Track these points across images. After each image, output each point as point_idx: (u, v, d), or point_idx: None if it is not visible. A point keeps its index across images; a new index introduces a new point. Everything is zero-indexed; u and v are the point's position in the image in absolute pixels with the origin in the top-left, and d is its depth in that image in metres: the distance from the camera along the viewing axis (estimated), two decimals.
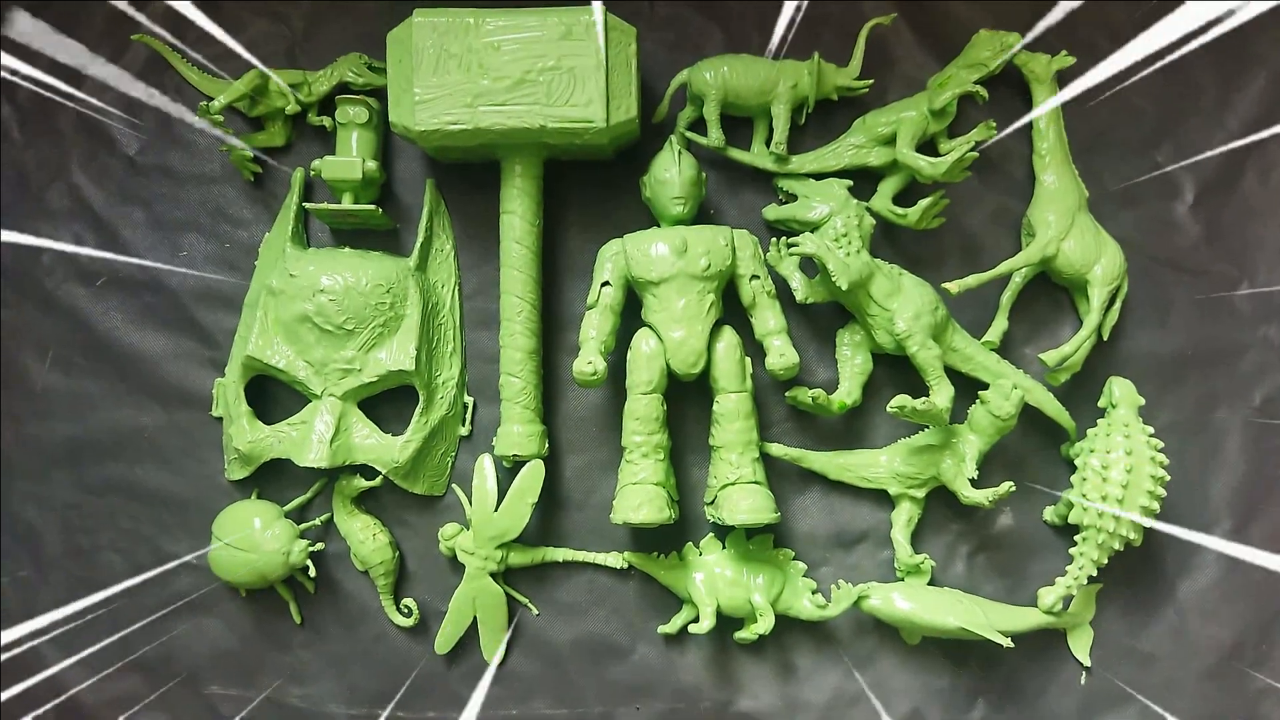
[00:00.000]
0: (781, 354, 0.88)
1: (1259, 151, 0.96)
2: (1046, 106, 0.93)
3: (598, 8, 0.85)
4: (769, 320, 0.89)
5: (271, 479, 0.95)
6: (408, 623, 0.95)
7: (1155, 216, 0.96)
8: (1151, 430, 0.88)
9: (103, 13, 0.98)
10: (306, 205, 0.93)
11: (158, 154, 0.98)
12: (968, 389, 0.91)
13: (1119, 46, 0.96)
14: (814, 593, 0.92)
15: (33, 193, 0.98)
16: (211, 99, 0.92)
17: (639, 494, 0.87)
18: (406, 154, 0.98)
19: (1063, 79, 0.95)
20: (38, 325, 0.97)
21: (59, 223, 0.98)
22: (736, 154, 0.95)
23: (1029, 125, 0.95)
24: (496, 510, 0.91)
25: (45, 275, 0.98)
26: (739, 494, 0.87)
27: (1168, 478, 0.86)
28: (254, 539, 0.90)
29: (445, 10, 0.86)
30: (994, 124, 0.90)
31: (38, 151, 0.98)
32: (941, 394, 0.87)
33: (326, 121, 0.95)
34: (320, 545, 0.93)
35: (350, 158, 0.91)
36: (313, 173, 0.92)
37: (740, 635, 0.91)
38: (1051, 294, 0.96)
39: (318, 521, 0.94)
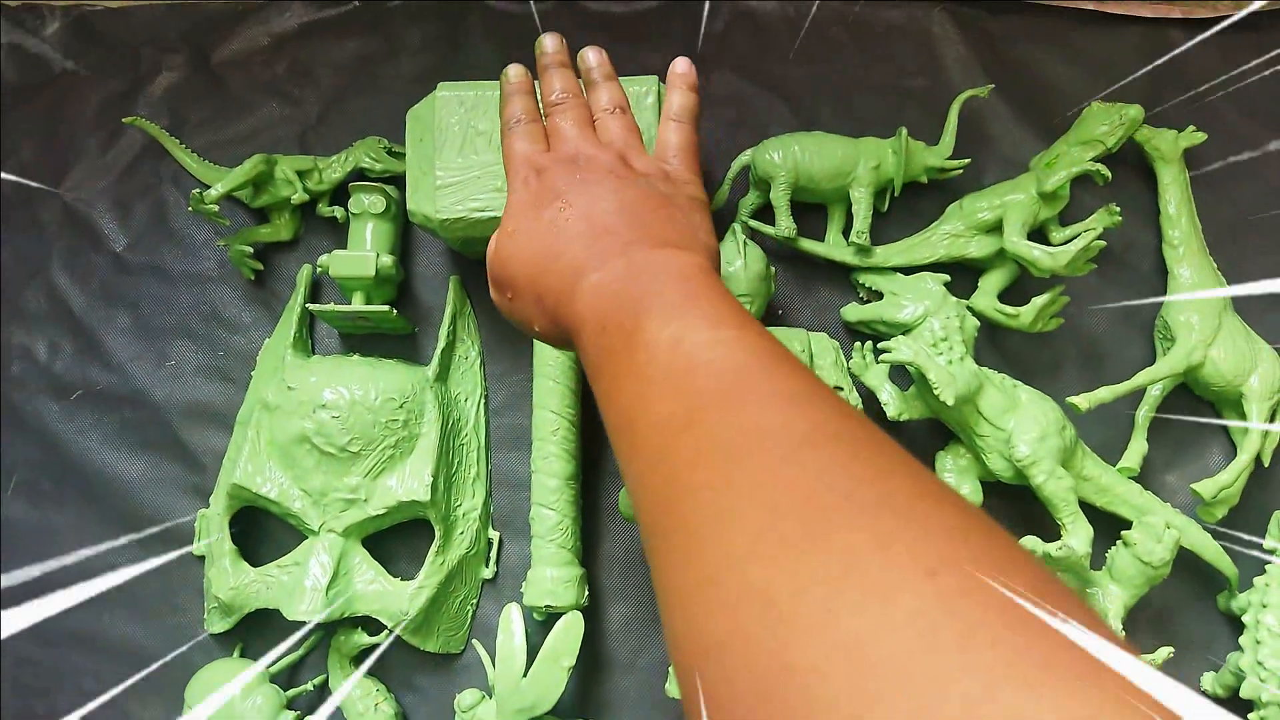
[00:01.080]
0: None
1: None
2: (1171, 195, 0.79)
3: (651, 79, 0.73)
4: None
5: (258, 632, 0.80)
6: None
7: None
8: None
9: (97, 94, 0.88)
10: (311, 307, 0.80)
11: (148, 250, 0.87)
12: (1105, 527, 0.75)
13: (1255, 119, 0.83)
14: None
15: (7, 293, 0.86)
16: (208, 187, 0.81)
17: None
18: (428, 248, 0.86)
19: (1190, 160, 0.81)
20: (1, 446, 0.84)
21: (34, 327, 0.86)
22: (810, 245, 0.81)
23: (1154, 212, 0.81)
24: (525, 675, 0.74)
25: (14, 388, 0.85)
26: None
27: None
28: (232, 708, 0.74)
29: (473, 84, 0.74)
30: (1118, 209, 0.77)
31: (16, 247, 0.87)
32: (1079, 535, 0.70)
33: (338, 212, 0.83)
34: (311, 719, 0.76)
35: (363, 252, 0.79)
36: (320, 269, 0.80)
37: None
38: (1194, 410, 0.81)
39: (310, 686, 0.78)
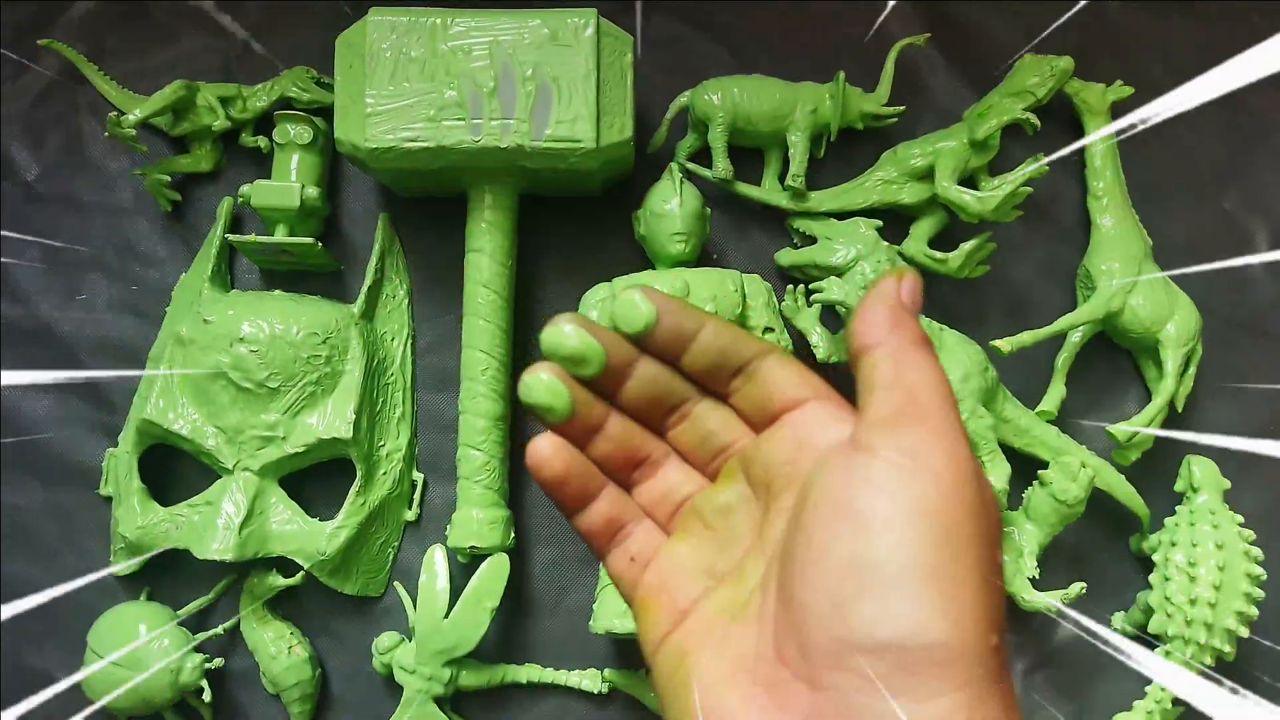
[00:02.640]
0: None
1: None
2: (1095, 136, 0.81)
3: (590, 11, 0.72)
4: None
5: (166, 575, 0.77)
6: None
7: (1226, 271, 0.84)
8: (1241, 519, 0.74)
9: (9, 18, 0.84)
10: (230, 237, 0.78)
11: (62, 180, 0.83)
12: (1022, 468, 0.76)
13: (1179, 78, 0.85)
14: None
15: None
16: (125, 112, 0.78)
17: None
18: (358, 184, 0.83)
19: (1117, 114, 0.83)
20: None
21: None
22: (745, 189, 0.81)
23: (1080, 165, 0.83)
24: (447, 617, 0.73)
25: None
26: None
27: (1264, 576, 0.72)
28: (137, 652, 0.71)
29: (406, 9, 0.72)
30: (1045, 158, 0.78)
31: None
32: (996, 473, 0.72)
33: (262, 142, 0.81)
34: (219, 661, 0.74)
35: (287, 183, 0.77)
36: (241, 200, 0.77)
37: None
38: (1111, 356, 0.82)
39: (220, 630, 0.76)
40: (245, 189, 0.77)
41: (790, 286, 0.79)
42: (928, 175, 0.79)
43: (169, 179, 0.80)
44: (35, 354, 0.81)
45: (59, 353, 0.81)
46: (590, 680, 0.77)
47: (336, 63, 0.74)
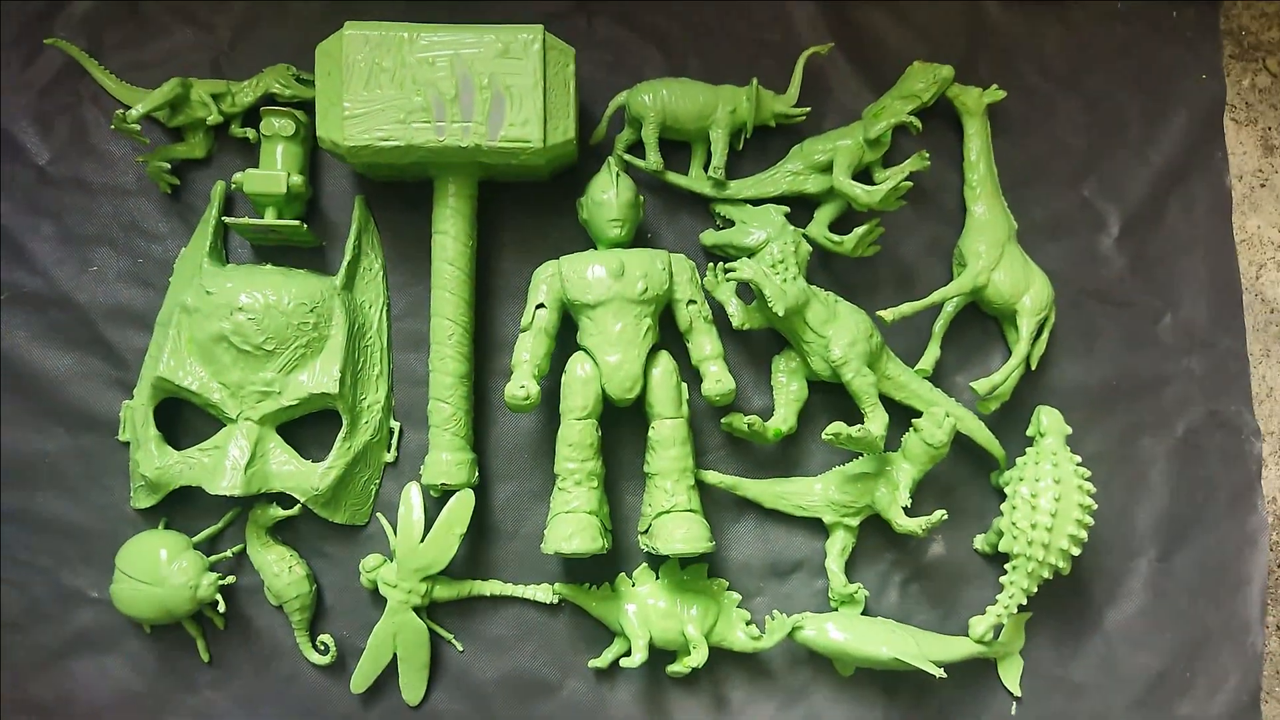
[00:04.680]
0: (718, 380, 0.86)
1: (1181, 186, 0.99)
2: (976, 139, 0.95)
3: (537, 27, 0.83)
4: (705, 346, 0.88)
5: (181, 508, 0.91)
6: (324, 661, 0.90)
7: (1082, 249, 0.98)
8: (1079, 459, 0.89)
9: (15, 15, 0.93)
10: (226, 220, 0.89)
11: (70, 164, 0.93)
12: (902, 417, 0.91)
13: (1050, 80, 0.98)
14: (748, 624, 0.90)
15: None
16: (129, 108, 0.88)
17: (571, 523, 0.84)
18: (334, 170, 0.95)
19: (993, 112, 0.97)
20: None
21: None
22: (674, 178, 0.94)
23: (960, 157, 0.96)
24: (422, 541, 0.87)
25: None
26: (674, 523, 0.85)
27: (1095, 506, 0.87)
28: (159, 572, 0.85)
29: (378, 24, 0.83)
30: (928, 154, 0.91)
31: None
32: (876, 421, 0.87)
33: (250, 134, 0.92)
34: (231, 579, 0.88)
35: (274, 171, 0.88)
36: (234, 186, 0.89)
37: (673, 669, 0.88)
38: (982, 323, 0.97)
39: (229, 553, 0.90)
40: (238, 177, 0.88)
41: (711, 264, 0.93)
42: (829, 168, 0.92)
43: (168, 165, 0.91)
44: (55, 318, 0.92)
45: (76, 317, 0.92)
46: (543, 593, 0.92)
47: (317, 68, 0.85)
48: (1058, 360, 0.97)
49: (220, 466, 0.85)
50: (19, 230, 0.92)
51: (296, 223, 0.88)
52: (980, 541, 0.95)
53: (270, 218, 0.88)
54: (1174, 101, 0.99)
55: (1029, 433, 0.92)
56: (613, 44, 0.97)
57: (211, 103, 0.90)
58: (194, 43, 0.94)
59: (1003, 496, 0.91)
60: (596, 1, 0.97)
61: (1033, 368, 0.95)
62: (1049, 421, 0.91)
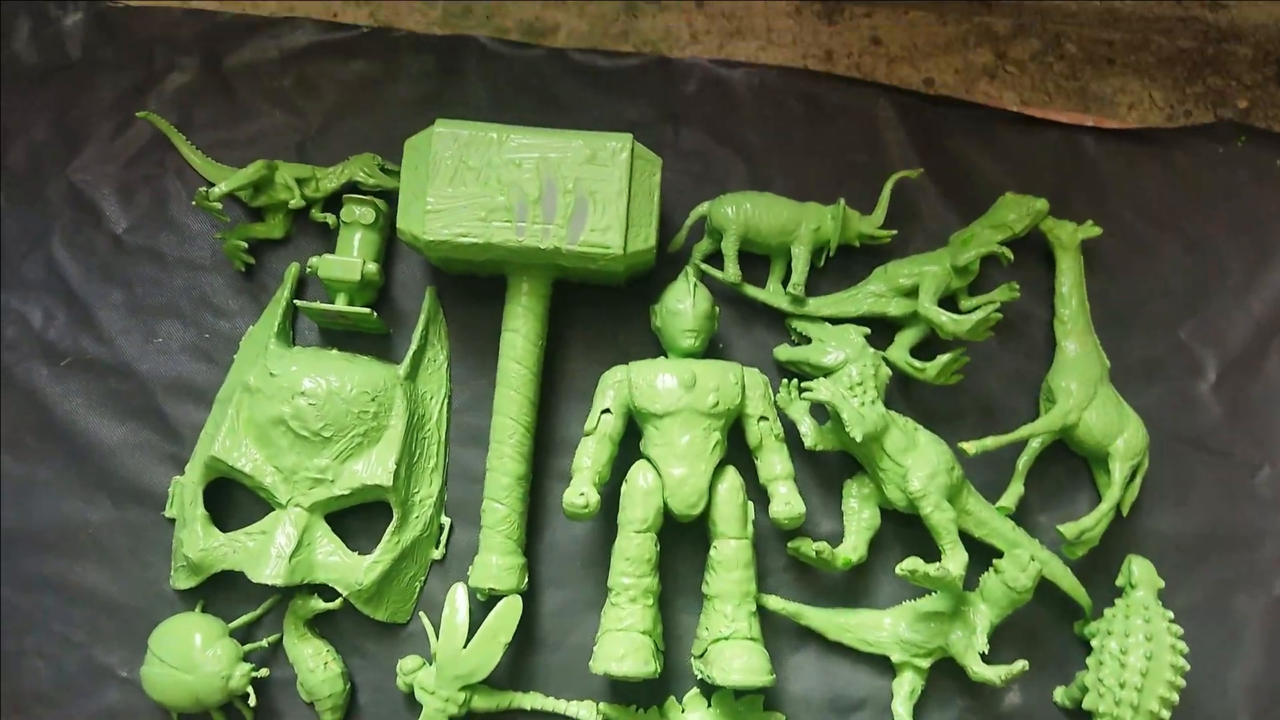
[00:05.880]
0: (787, 502, 0.82)
1: None
2: (1070, 275, 0.91)
3: (626, 136, 0.83)
4: (775, 465, 0.84)
5: (220, 592, 0.87)
6: None
7: (1177, 394, 0.94)
8: (1171, 615, 0.83)
9: (111, 85, 0.95)
10: (297, 303, 0.88)
11: (147, 235, 0.94)
12: (981, 556, 0.86)
13: (1146, 219, 0.95)
14: None
15: (8, 261, 0.93)
16: (211, 184, 0.88)
17: (623, 642, 0.80)
18: (408, 258, 0.94)
19: (1087, 247, 0.94)
20: None
21: (30, 295, 0.92)
22: (752, 291, 0.92)
23: (1051, 290, 0.93)
24: (465, 647, 0.83)
25: (6, 349, 0.91)
26: (732, 651, 0.80)
27: (1187, 667, 0.81)
28: (192, 658, 0.81)
29: (469, 123, 0.83)
30: (1018, 286, 0.88)
31: (20, 219, 0.93)
32: (955, 560, 0.82)
33: (330, 219, 0.91)
34: (265, 672, 0.84)
35: (350, 258, 0.87)
36: (309, 270, 0.88)
37: None
38: (1068, 462, 0.92)
39: (265, 643, 0.86)
40: (313, 261, 0.87)
41: (785, 380, 0.90)
42: (913, 292, 0.89)
43: (245, 244, 0.91)
44: (114, 387, 0.91)
45: (135, 387, 0.91)
46: (586, 710, 0.86)
47: (404, 161, 0.85)
48: (1149, 508, 0.91)
49: (265, 553, 0.82)
50: (89, 296, 0.92)
51: (367, 310, 0.87)
52: (1062, 695, 0.88)
53: (341, 303, 0.87)
54: (1277, 248, 0.95)
55: (1118, 583, 0.87)
56: (698, 155, 0.96)
57: (295, 186, 0.90)
58: (283, 126, 0.95)
59: (1088, 648, 0.85)
60: (684, 112, 0.97)
61: (1124, 514, 0.90)
62: (1141, 573, 0.85)
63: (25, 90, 0.96)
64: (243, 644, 0.84)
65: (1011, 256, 0.88)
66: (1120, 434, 0.88)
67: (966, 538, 0.86)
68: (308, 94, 0.96)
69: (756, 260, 0.93)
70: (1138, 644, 0.81)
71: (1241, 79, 1.02)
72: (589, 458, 0.83)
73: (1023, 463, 0.90)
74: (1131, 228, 0.95)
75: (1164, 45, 1.02)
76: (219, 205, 0.87)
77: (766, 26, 1.00)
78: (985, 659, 0.82)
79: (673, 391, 0.83)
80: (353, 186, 0.91)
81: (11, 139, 0.95)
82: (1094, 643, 0.84)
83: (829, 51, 1.00)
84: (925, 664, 0.85)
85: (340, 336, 0.92)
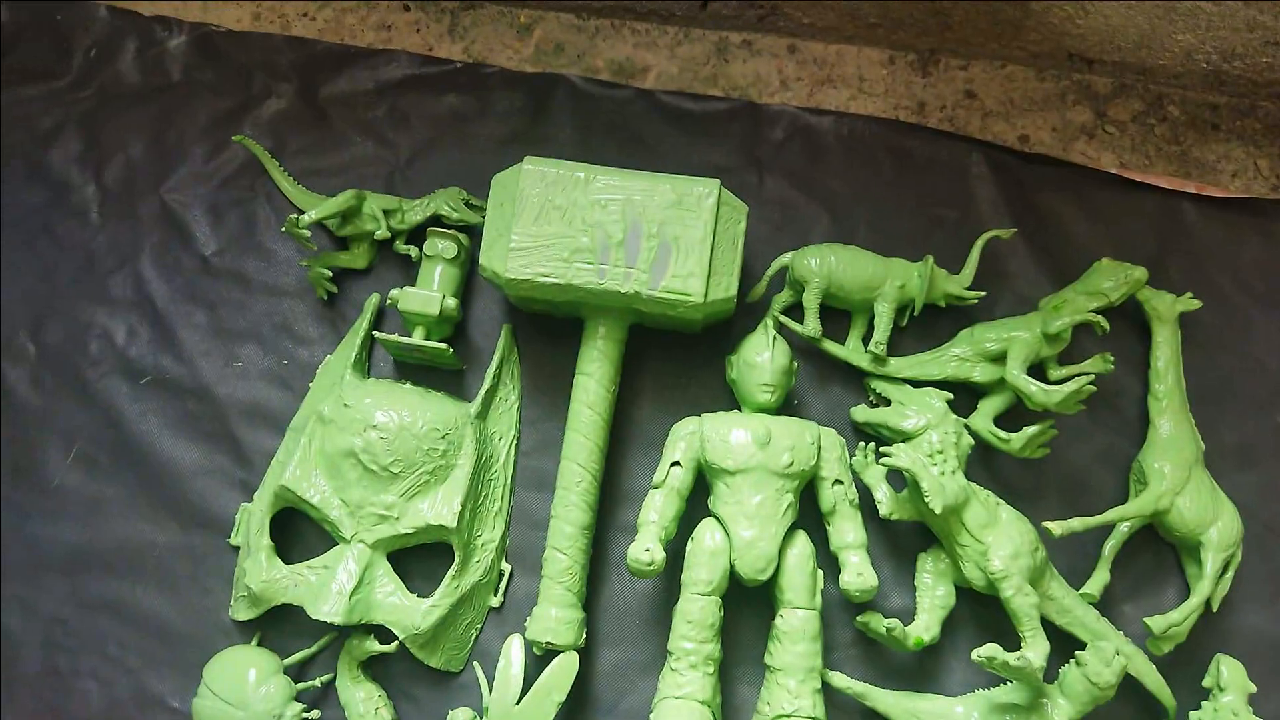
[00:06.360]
0: (859, 573, 0.79)
1: None
2: (1165, 349, 0.87)
3: (714, 182, 0.82)
4: (848, 533, 0.81)
5: (276, 624, 0.86)
6: None
7: (1274, 482, 0.89)
8: None
9: (208, 108, 0.97)
10: (375, 334, 0.88)
11: (234, 258, 0.95)
12: (1061, 646, 0.81)
13: (1246, 293, 0.91)
14: None
15: (97, 276, 0.94)
16: (301, 211, 0.89)
17: (681, 711, 0.77)
18: (487, 294, 0.93)
19: (1184, 320, 0.90)
20: (69, 416, 0.91)
21: (116, 312, 0.94)
22: (832, 347, 0.89)
23: (1145, 364, 0.89)
24: (518, 703, 0.81)
25: (89, 364, 0.93)
26: None
27: None
28: (245, 694, 0.80)
29: (558, 162, 0.83)
30: (1112, 358, 0.85)
31: (111, 234, 0.95)
32: (1037, 649, 0.77)
33: (413, 251, 0.91)
34: (316, 714, 0.83)
35: (431, 292, 0.87)
36: (389, 302, 0.88)
37: None
38: (1155, 549, 0.88)
39: (318, 682, 0.85)
40: (394, 293, 0.87)
41: (861, 443, 0.87)
42: (1000, 358, 0.86)
43: (329, 273, 0.91)
44: (190, 408, 0.92)
45: (211, 410, 0.92)
46: None
47: (490, 197, 0.85)
48: (1241, 605, 0.86)
49: (325, 589, 0.81)
50: (173, 317, 0.93)
51: (443, 346, 0.86)
52: None
53: (418, 337, 0.87)
54: None
55: (1205, 684, 0.82)
56: (782, 203, 0.94)
57: (382, 218, 0.90)
58: (373, 157, 0.96)
59: None
60: (770, 159, 0.95)
61: (1214, 609, 0.85)
62: (1230, 674, 0.80)
63: (126, 109, 0.98)
64: (295, 681, 0.83)
65: (1108, 326, 0.84)
66: (1214, 522, 0.83)
67: (1047, 625, 0.81)
68: (399, 126, 0.96)
69: (837, 315, 0.90)
70: None
71: None
72: (656, 512, 0.81)
73: (1110, 548, 0.85)
74: (1229, 301, 0.91)
75: (1272, 112, 0.98)
76: (307, 233, 0.87)
77: (858, 75, 0.99)
78: None
79: (746, 448, 0.80)
80: (437, 220, 0.91)
81: (109, 156, 0.97)
82: None
83: (921, 104, 0.98)
84: None
85: (414, 370, 0.92)
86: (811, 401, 0.91)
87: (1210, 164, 0.97)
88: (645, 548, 0.78)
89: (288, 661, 0.84)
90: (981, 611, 0.85)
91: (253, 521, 0.87)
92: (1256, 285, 0.92)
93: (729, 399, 0.88)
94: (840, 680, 0.83)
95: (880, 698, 0.83)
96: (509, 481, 0.90)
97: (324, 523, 0.85)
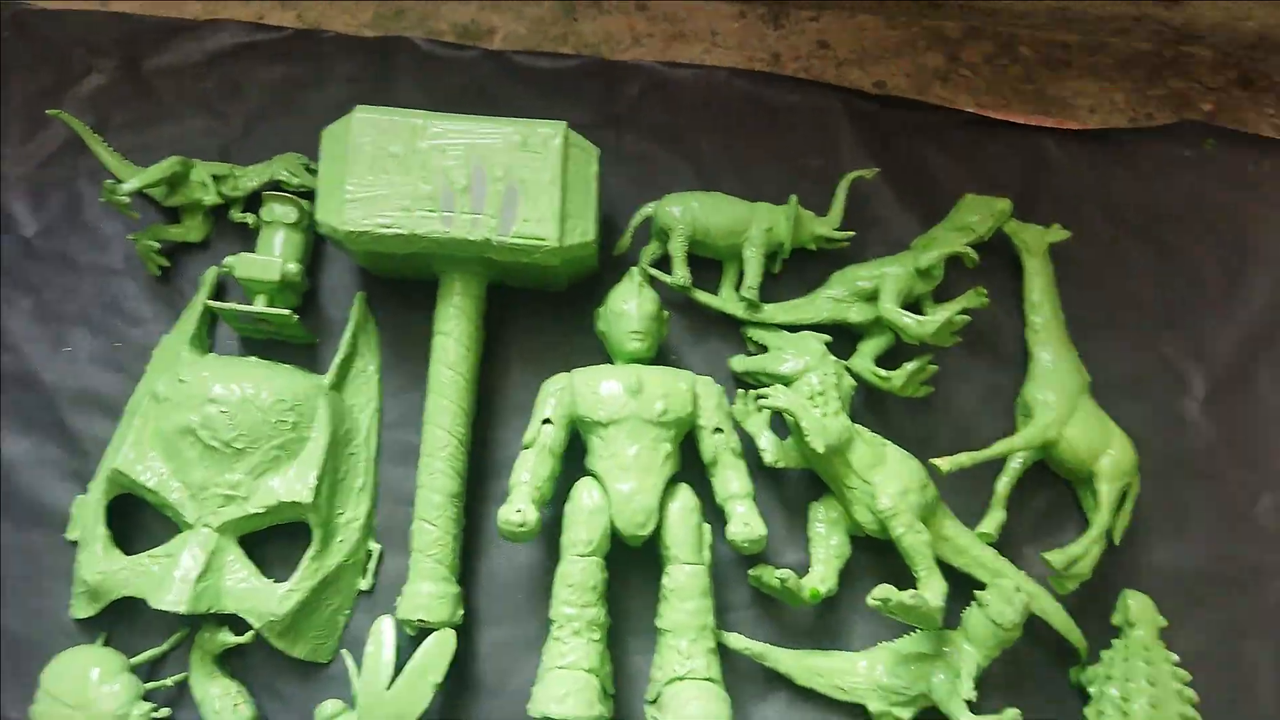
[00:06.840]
0: (746, 522, 0.75)
1: (1272, 351, 0.89)
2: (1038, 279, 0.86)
3: (560, 123, 0.78)
4: (732, 482, 0.77)
5: (126, 624, 0.78)
6: None
7: (1165, 412, 0.88)
8: (1176, 659, 0.76)
9: (23, 85, 0.90)
10: (211, 303, 0.82)
11: (58, 239, 0.87)
12: (961, 589, 0.77)
13: (1116, 226, 0.91)
14: None
15: None
16: (121, 180, 0.82)
17: (566, 681, 0.71)
18: (338, 265, 0.88)
19: (1056, 256, 0.88)
20: None
21: None
22: (703, 297, 0.86)
23: (1020, 300, 0.88)
24: (390, 688, 0.74)
25: None
26: (688, 693, 0.72)
27: (1198, 718, 0.74)
28: (87, 694, 0.73)
29: (390, 109, 0.78)
30: (984, 291, 0.83)
31: None
32: (933, 588, 0.74)
33: (250, 219, 0.85)
34: (165, 712, 0.75)
35: (270, 257, 0.81)
36: (224, 270, 0.81)
37: None
38: (1054, 487, 0.85)
39: (169, 682, 0.77)
40: (229, 260, 0.81)
41: (741, 391, 0.83)
42: (875, 296, 0.83)
43: (159, 245, 0.85)
44: (16, 398, 0.84)
45: (40, 399, 0.84)
46: None
47: (321, 153, 0.79)
48: (1143, 538, 0.84)
49: (168, 578, 0.74)
50: None
51: (286, 312, 0.80)
52: None
53: (260, 305, 0.81)
54: (1258, 257, 0.90)
55: (1114, 621, 0.79)
56: (642, 158, 0.91)
57: (211, 183, 0.84)
58: (204, 129, 0.90)
59: (1085, 695, 0.78)
60: (627, 115, 0.92)
61: (1115, 543, 0.82)
62: (1139, 610, 0.78)
63: None
64: (145, 681, 0.76)
65: (976, 258, 0.83)
66: (1105, 451, 0.81)
67: (945, 568, 0.78)
68: (231, 97, 0.91)
69: (707, 265, 0.87)
70: (1140, 689, 0.74)
71: (1204, 81, 0.98)
72: (528, 472, 0.76)
73: (1003, 485, 0.82)
74: (1101, 234, 0.91)
75: (1120, 47, 0.99)
76: (128, 200, 0.80)
77: (710, 30, 0.97)
78: (973, 707, 0.73)
79: (618, 397, 0.76)
80: (275, 186, 0.86)
81: None
82: (1092, 690, 0.77)
83: (775, 55, 0.97)
84: (906, 714, 0.76)
85: (264, 348, 0.85)
86: (688, 355, 0.87)
87: (1066, 100, 0.98)
88: (517, 508, 0.73)
89: (135, 660, 0.76)
90: (879, 562, 0.81)
91: (87, 512, 0.79)
92: (1129, 217, 0.92)
93: (603, 355, 0.84)
94: (737, 641, 0.79)
95: (780, 657, 0.79)
96: (373, 455, 0.84)
97: (164, 508, 0.78)
